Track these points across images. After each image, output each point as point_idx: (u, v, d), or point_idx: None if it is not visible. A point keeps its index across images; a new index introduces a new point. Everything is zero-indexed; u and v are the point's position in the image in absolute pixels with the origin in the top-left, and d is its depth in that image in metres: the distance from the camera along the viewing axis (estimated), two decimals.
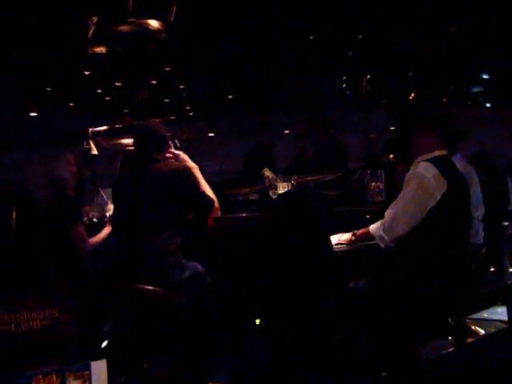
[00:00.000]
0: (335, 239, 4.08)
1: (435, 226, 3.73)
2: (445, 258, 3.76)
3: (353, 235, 4.02)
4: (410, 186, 3.74)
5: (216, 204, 4.14)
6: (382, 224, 3.78)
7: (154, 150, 4.09)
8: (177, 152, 4.31)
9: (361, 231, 3.98)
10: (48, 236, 4.68)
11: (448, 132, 4.02)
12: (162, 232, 3.88)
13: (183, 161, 4.27)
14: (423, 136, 3.93)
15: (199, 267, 3.96)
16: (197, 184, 4.09)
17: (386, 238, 3.76)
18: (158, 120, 4.38)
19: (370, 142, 4.63)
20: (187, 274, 3.89)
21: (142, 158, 4.10)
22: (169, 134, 4.30)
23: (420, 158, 3.87)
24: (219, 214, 4.19)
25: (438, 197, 3.69)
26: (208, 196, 4.10)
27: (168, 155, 4.25)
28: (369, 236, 3.88)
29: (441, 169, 3.72)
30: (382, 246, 3.79)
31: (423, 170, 3.72)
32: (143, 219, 3.92)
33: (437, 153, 3.86)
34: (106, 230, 4.84)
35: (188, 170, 4.09)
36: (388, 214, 3.78)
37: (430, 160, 3.79)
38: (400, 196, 3.78)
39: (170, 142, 4.26)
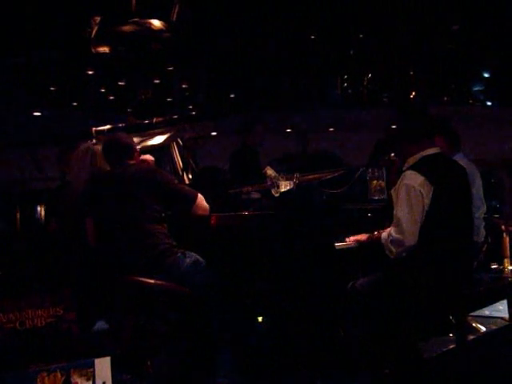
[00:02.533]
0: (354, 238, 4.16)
1: (433, 227, 3.75)
2: (445, 256, 3.78)
3: (370, 236, 4.07)
4: (402, 199, 3.76)
5: (200, 201, 4.18)
6: (390, 237, 3.80)
7: (123, 157, 4.22)
8: (147, 157, 4.50)
9: (376, 235, 4.01)
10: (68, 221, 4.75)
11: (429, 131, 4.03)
12: (154, 226, 3.99)
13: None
14: (409, 143, 3.96)
15: (199, 257, 4.06)
16: (170, 179, 4.20)
17: (394, 250, 3.78)
18: (122, 133, 4.55)
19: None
20: (188, 260, 3.99)
21: (115, 164, 4.24)
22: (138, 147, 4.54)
23: (409, 161, 3.90)
24: (205, 205, 4.21)
25: (428, 203, 3.73)
26: (188, 189, 4.23)
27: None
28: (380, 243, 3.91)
29: (426, 174, 3.74)
30: (392, 256, 3.82)
31: (409, 181, 3.75)
32: (131, 217, 4.01)
33: (424, 153, 3.87)
34: None
35: (158, 169, 4.30)
36: (393, 231, 3.79)
37: (415, 166, 3.81)
38: (398, 212, 3.79)
39: (136, 152, 4.37)
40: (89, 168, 4.74)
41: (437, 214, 3.73)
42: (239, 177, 4.53)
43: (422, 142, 3.90)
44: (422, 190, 3.71)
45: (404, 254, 3.79)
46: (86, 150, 4.83)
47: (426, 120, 4.08)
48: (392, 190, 3.93)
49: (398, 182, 3.85)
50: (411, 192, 3.72)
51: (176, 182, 4.24)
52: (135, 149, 4.35)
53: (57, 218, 5.01)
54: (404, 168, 3.93)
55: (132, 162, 4.24)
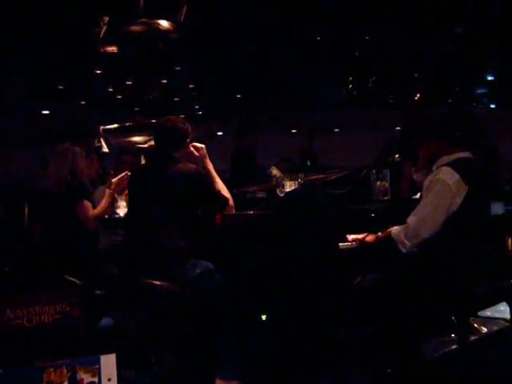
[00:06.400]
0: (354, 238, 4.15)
1: (453, 228, 3.75)
2: (458, 258, 3.79)
3: (375, 237, 4.04)
4: (432, 192, 3.76)
5: (231, 202, 4.20)
6: (404, 230, 3.79)
7: (171, 148, 4.14)
8: (200, 145, 4.35)
9: (382, 235, 3.99)
10: (56, 215, 4.84)
11: (468, 133, 4.03)
12: (175, 230, 3.95)
13: (203, 157, 4.33)
14: (441, 139, 3.96)
15: (209, 265, 4.01)
16: (209, 185, 4.16)
17: (407, 243, 3.77)
18: (177, 116, 4.38)
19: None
20: (198, 270, 3.94)
21: (160, 156, 4.19)
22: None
23: (441, 161, 3.88)
24: (232, 209, 4.25)
25: (459, 202, 3.72)
26: (221, 195, 4.18)
27: (191, 149, 4.30)
28: (389, 239, 3.89)
29: (462, 174, 3.73)
30: (404, 251, 3.79)
31: (445, 177, 3.73)
32: (156, 217, 3.99)
33: (458, 155, 3.86)
34: (105, 199, 4.92)
35: (201, 172, 4.14)
36: (411, 220, 3.79)
37: (451, 164, 3.80)
38: (422, 202, 3.80)
39: (188, 140, 4.25)
40: (69, 168, 4.88)
41: (465, 215, 3.73)
42: (240, 179, 4.56)
43: (450, 144, 3.92)
44: (454, 189, 3.70)
45: (415, 249, 3.81)
46: (66, 151, 4.95)
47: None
48: (426, 179, 3.89)
49: (433, 174, 3.84)
50: (443, 187, 3.71)
51: (213, 187, 4.18)
52: (186, 138, 4.22)
53: (42, 219, 5.09)
54: (435, 167, 3.93)
55: (177, 153, 4.14)
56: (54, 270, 4.46)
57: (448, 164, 3.81)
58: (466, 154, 3.89)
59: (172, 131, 4.17)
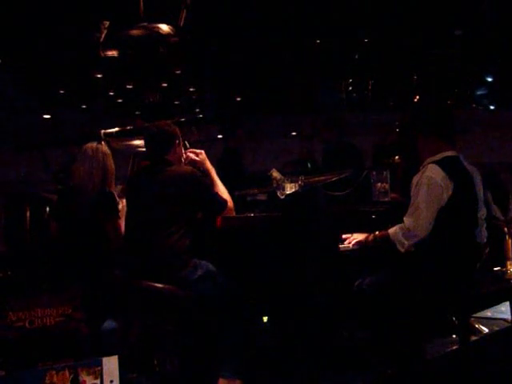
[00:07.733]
0: (352, 238, 4.17)
1: (442, 226, 3.80)
2: (450, 257, 3.82)
3: (373, 236, 4.09)
4: (422, 190, 3.80)
5: (230, 204, 4.22)
6: (402, 230, 3.85)
7: (161, 151, 4.17)
8: (198, 151, 4.39)
9: (379, 234, 4.04)
10: (86, 226, 4.63)
11: (453, 132, 4.07)
12: (174, 232, 3.95)
13: (203, 160, 4.37)
14: (430, 138, 4.00)
15: (211, 266, 4.02)
16: (207, 186, 4.16)
17: (406, 243, 3.84)
18: (165, 121, 4.39)
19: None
20: (199, 272, 3.94)
21: (153, 160, 4.20)
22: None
23: (428, 160, 3.93)
24: (231, 212, 4.26)
25: (446, 199, 3.77)
26: (220, 197, 4.19)
27: (190, 154, 4.34)
28: (387, 239, 3.94)
29: (448, 171, 3.79)
30: (402, 250, 3.85)
31: (431, 174, 3.79)
32: (155, 219, 3.98)
33: (445, 154, 3.91)
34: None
35: (196, 173, 4.14)
36: (407, 221, 3.84)
37: (437, 162, 3.85)
38: (415, 202, 3.84)
39: (177, 141, 4.26)
40: (101, 168, 4.72)
41: (449, 213, 3.78)
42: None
43: (437, 143, 3.95)
44: (442, 184, 3.75)
45: (413, 249, 3.84)
46: (96, 150, 4.81)
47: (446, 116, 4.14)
48: (413, 179, 3.94)
49: (420, 173, 3.89)
50: (432, 184, 3.77)
51: (211, 189, 4.20)
52: (175, 141, 4.22)
53: (60, 223, 4.93)
54: (421, 168, 3.97)
55: (169, 156, 4.15)
56: (57, 272, 4.48)
57: (433, 162, 3.86)
58: (450, 153, 3.93)
59: (159, 135, 4.20)
